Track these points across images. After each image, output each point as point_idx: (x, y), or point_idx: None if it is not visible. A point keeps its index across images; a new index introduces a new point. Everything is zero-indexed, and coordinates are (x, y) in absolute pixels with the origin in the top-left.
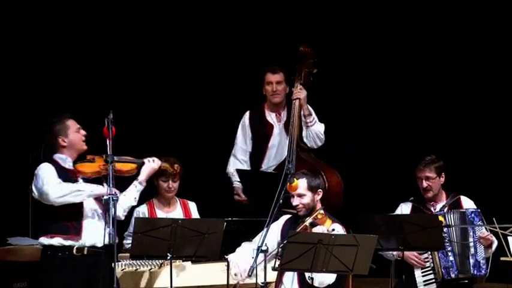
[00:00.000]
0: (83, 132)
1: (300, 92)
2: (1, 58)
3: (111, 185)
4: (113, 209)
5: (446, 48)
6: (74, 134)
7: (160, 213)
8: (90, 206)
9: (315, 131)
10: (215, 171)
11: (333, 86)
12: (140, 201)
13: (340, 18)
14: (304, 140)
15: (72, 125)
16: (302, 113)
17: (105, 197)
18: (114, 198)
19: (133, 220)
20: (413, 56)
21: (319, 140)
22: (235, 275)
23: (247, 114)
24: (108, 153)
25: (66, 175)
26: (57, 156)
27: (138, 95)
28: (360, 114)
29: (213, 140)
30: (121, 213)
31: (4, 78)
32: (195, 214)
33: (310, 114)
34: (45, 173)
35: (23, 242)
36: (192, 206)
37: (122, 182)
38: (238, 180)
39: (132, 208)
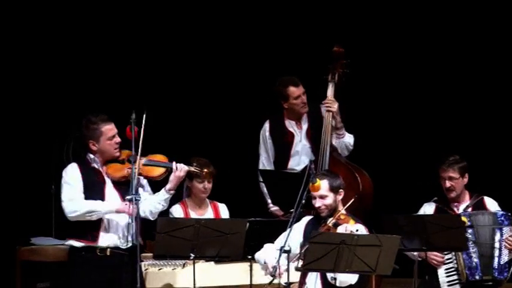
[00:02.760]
0: (116, 140)
1: (333, 104)
2: (28, 56)
3: (134, 185)
4: (136, 209)
5: (469, 47)
6: (106, 142)
7: (194, 215)
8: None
9: (345, 142)
10: (244, 172)
11: (355, 85)
12: (171, 201)
13: (365, 18)
14: None
15: (106, 132)
16: (335, 124)
17: (128, 197)
18: (137, 199)
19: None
20: (436, 55)
21: (347, 150)
22: (270, 269)
23: (267, 125)
24: (133, 153)
25: (92, 176)
26: (89, 156)
27: (170, 97)
28: (383, 113)
29: (241, 139)
30: (148, 213)
31: (30, 76)
32: (224, 216)
33: (342, 127)
34: (66, 184)
35: (46, 242)
36: (222, 208)
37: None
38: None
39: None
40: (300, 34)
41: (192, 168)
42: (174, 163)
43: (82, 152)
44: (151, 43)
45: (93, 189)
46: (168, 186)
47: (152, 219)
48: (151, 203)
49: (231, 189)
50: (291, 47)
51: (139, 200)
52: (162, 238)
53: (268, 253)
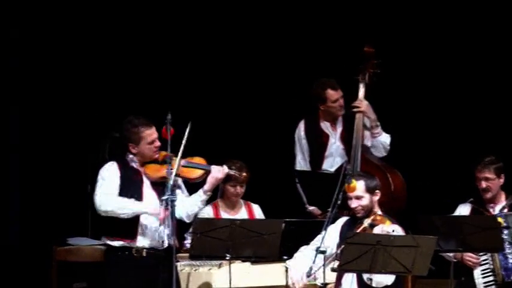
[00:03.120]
0: (156, 144)
1: (360, 104)
2: (63, 58)
3: (170, 186)
4: (171, 210)
5: (506, 46)
6: (146, 146)
7: (226, 216)
8: (151, 205)
9: (381, 141)
10: (279, 172)
11: (390, 84)
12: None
13: (397, 18)
14: (371, 149)
15: (146, 136)
16: (369, 124)
17: (164, 197)
18: (172, 199)
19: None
20: (472, 53)
21: (384, 150)
22: (293, 284)
23: (302, 125)
24: (169, 153)
25: (131, 175)
26: (128, 156)
27: (205, 98)
28: (419, 113)
29: (276, 139)
30: (184, 215)
31: (65, 77)
32: (259, 217)
33: (377, 126)
34: (102, 180)
35: (82, 243)
36: (257, 209)
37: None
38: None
39: None
40: (331, 34)
41: (232, 172)
42: (213, 166)
43: (121, 152)
44: (187, 45)
45: (130, 188)
46: (205, 188)
47: (188, 221)
48: (187, 205)
49: (265, 189)
50: (322, 47)
51: (174, 201)
52: (198, 238)
53: (298, 263)
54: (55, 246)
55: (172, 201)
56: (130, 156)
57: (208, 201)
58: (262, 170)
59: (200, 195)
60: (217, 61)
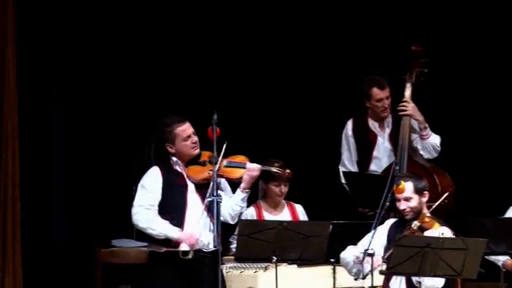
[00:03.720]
0: (193, 139)
1: (407, 106)
2: (107, 56)
3: (215, 186)
4: (216, 211)
5: None
6: (182, 143)
7: (268, 217)
8: (195, 209)
9: (432, 143)
10: (322, 172)
11: (437, 83)
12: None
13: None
14: (420, 152)
15: (180, 133)
16: (417, 126)
17: (209, 199)
18: (218, 200)
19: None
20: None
21: (435, 151)
22: (355, 278)
23: (350, 123)
24: (214, 154)
25: (174, 180)
26: (171, 159)
27: (246, 97)
28: (468, 113)
29: (319, 138)
30: (228, 217)
31: (111, 76)
32: (302, 217)
33: (426, 127)
34: (142, 189)
35: (127, 244)
36: (299, 209)
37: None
38: None
39: None
40: (379, 32)
41: (274, 169)
42: (247, 163)
43: (163, 155)
44: (232, 43)
45: (175, 194)
46: (242, 186)
47: (232, 222)
48: (229, 206)
49: (308, 190)
50: (370, 45)
51: (220, 202)
52: (244, 240)
53: (353, 251)
54: (99, 248)
55: (218, 202)
56: (174, 159)
57: (249, 202)
58: (305, 170)
59: (239, 194)
60: (263, 58)
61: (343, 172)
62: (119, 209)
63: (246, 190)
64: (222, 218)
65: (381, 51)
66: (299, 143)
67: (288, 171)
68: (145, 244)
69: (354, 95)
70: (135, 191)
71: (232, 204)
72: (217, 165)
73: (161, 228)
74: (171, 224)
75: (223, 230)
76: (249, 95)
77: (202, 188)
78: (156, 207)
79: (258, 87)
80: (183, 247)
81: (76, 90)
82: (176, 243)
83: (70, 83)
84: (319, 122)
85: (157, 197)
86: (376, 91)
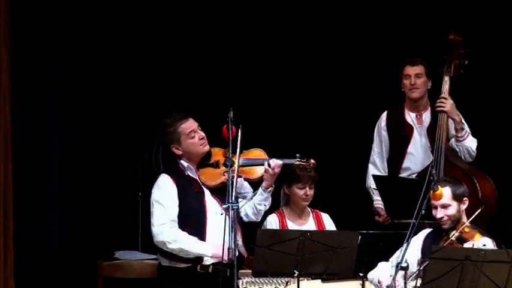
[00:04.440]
0: (199, 134)
1: (444, 102)
2: (112, 53)
3: (232, 192)
4: (232, 219)
5: None
6: (188, 141)
7: (292, 226)
8: (215, 216)
9: (466, 146)
10: (350, 176)
11: (477, 78)
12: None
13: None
14: None
15: (183, 130)
16: (453, 126)
17: (224, 206)
18: (234, 207)
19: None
20: None
21: (470, 156)
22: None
23: (384, 114)
24: (229, 155)
25: (189, 187)
26: (181, 163)
27: (264, 93)
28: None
29: (347, 141)
30: (253, 217)
31: (113, 71)
32: (329, 227)
33: (462, 128)
34: (159, 205)
35: (131, 257)
36: (326, 218)
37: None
38: (379, 198)
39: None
40: (413, 20)
41: (296, 162)
42: (266, 160)
43: (172, 160)
44: (256, 36)
45: (191, 202)
46: (264, 185)
47: (257, 220)
48: (252, 206)
49: (334, 195)
50: (404, 35)
51: (236, 209)
52: (262, 252)
53: (382, 271)
54: (101, 261)
55: (234, 209)
56: (185, 164)
57: (272, 209)
58: (330, 173)
59: (261, 193)
60: (282, 47)
61: (374, 176)
62: (122, 217)
63: (269, 189)
64: (246, 219)
65: (415, 41)
66: (323, 142)
67: (312, 161)
68: (152, 256)
69: (389, 86)
70: (141, 198)
71: (256, 204)
72: (234, 167)
73: (193, 248)
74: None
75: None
76: (265, 87)
77: (218, 191)
78: (177, 220)
79: (275, 78)
80: (205, 260)
81: (76, 87)
82: (200, 258)
83: (69, 79)
84: (346, 118)
85: (176, 209)
86: (406, 68)
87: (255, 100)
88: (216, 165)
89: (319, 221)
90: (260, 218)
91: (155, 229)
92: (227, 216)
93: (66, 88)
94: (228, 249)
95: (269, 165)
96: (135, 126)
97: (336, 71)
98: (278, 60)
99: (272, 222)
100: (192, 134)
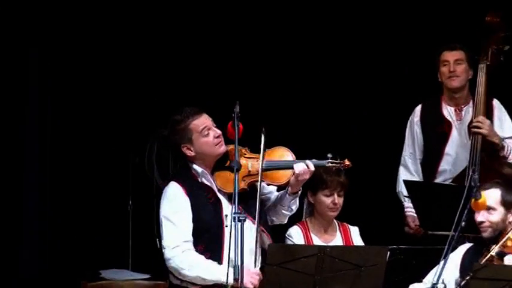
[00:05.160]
0: (215, 132)
1: (481, 124)
2: (97, 49)
3: (236, 200)
4: (240, 233)
5: None
6: (201, 139)
7: (317, 241)
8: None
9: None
10: (377, 181)
11: None
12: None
13: None
14: None
15: (196, 127)
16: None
17: (229, 216)
18: (240, 219)
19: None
20: None
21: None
22: None
23: (418, 108)
24: (235, 158)
25: (203, 197)
26: (194, 168)
27: (277, 85)
28: None
29: (374, 140)
30: (277, 221)
31: (98, 68)
32: (357, 242)
33: (503, 148)
34: (168, 222)
35: (120, 276)
36: (355, 233)
37: None
38: (411, 206)
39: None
40: (448, 2)
41: (328, 163)
42: (295, 163)
43: (181, 164)
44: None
45: (208, 216)
46: (290, 190)
47: (283, 222)
48: (276, 211)
49: (359, 204)
50: (437, 19)
51: (243, 221)
52: (274, 271)
53: None
54: (85, 282)
55: (241, 220)
56: (195, 166)
57: (294, 219)
58: (354, 178)
59: (287, 199)
60: (299, 39)
61: (405, 181)
62: (110, 230)
63: (295, 194)
64: (269, 222)
65: (447, 25)
66: (347, 142)
67: (347, 161)
68: (144, 276)
69: (423, 76)
70: (132, 207)
71: (281, 208)
72: (246, 170)
73: (212, 275)
74: (206, 255)
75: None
76: (278, 77)
77: (240, 198)
78: (191, 240)
79: (291, 69)
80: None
81: (57, 87)
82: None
83: (48, 80)
84: (373, 114)
85: (190, 226)
86: (445, 54)
87: (268, 94)
88: (231, 168)
89: (347, 236)
90: (286, 220)
91: (167, 253)
92: (232, 229)
93: (46, 89)
94: (234, 267)
95: (298, 169)
96: (124, 127)
97: (361, 60)
98: (297, 50)
99: (295, 235)
100: (205, 131)
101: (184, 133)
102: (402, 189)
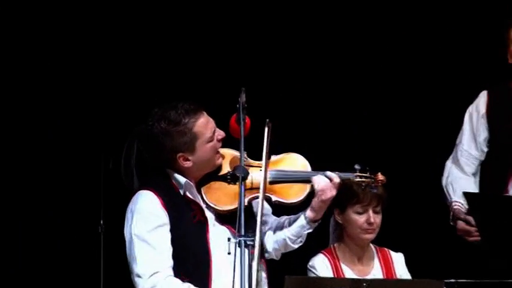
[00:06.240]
0: (219, 135)
1: None
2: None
3: (241, 219)
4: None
5: None
6: (207, 145)
7: (348, 272)
8: (225, 261)
9: None
10: (424, 193)
11: None
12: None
13: None
14: None
15: (202, 130)
16: None
17: (232, 240)
18: (248, 243)
19: None
20: None
21: None
22: None
23: (484, 96)
24: (240, 163)
25: (185, 212)
26: (175, 177)
27: (277, 86)
28: None
29: (416, 140)
30: (273, 254)
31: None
32: (403, 274)
33: None
34: (142, 243)
35: None
36: (398, 260)
37: None
38: (460, 201)
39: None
40: None
41: (355, 177)
42: (317, 175)
43: (160, 170)
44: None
45: (190, 239)
46: (309, 214)
47: (276, 258)
48: (278, 238)
49: (401, 223)
50: None
51: (251, 246)
52: None
53: None
54: None
55: (248, 245)
56: (177, 176)
57: (318, 245)
58: (393, 189)
59: (303, 226)
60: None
61: (466, 194)
62: (77, 256)
63: (315, 223)
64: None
65: None
66: (382, 144)
67: (380, 176)
68: None
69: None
70: (103, 229)
71: (287, 238)
72: (252, 182)
73: None
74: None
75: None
76: (277, 78)
77: (231, 216)
78: (172, 263)
79: (288, 68)
80: None
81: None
82: None
83: None
84: (415, 105)
85: (170, 247)
86: None
87: (268, 93)
88: (229, 178)
89: (388, 266)
90: (280, 256)
91: (143, 282)
92: (238, 256)
93: None
94: None
95: (318, 184)
96: (94, 125)
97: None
98: (297, 50)
99: (320, 266)
100: (211, 136)
101: (184, 138)
102: (446, 180)
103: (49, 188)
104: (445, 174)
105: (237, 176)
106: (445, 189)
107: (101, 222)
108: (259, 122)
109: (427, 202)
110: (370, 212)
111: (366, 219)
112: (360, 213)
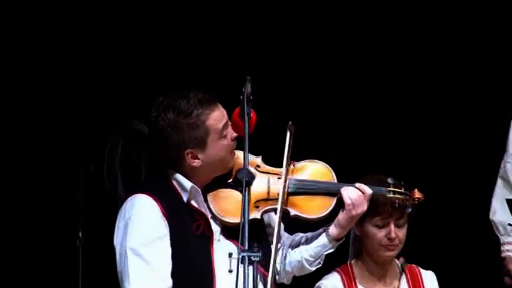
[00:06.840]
0: (232, 133)
1: None
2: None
3: (245, 232)
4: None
5: None
6: (218, 142)
7: None
8: (229, 280)
9: None
10: (457, 205)
11: None
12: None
13: None
14: None
15: (216, 123)
16: None
17: (235, 255)
18: (253, 258)
19: None
20: None
21: None
22: None
23: None
24: (244, 165)
25: (188, 226)
26: (178, 180)
27: (276, 86)
28: None
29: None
30: (285, 278)
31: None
32: None
33: None
34: (137, 258)
35: None
36: (429, 280)
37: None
38: None
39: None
40: None
41: (388, 193)
42: (344, 188)
43: (166, 168)
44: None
45: (193, 255)
46: (333, 231)
47: (287, 283)
48: (294, 259)
49: (432, 238)
50: None
51: (256, 262)
52: None
53: None
54: None
55: (254, 260)
56: (181, 179)
57: (334, 262)
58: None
59: (324, 245)
60: None
61: (508, 200)
62: (53, 273)
63: (338, 241)
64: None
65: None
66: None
67: (417, 194)
68: None
69: None
70: (82, 242)
71: (303, 259)
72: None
73: None
74: None
75: None
76: (276, 78)
77: (236, 231)
78: (171, 282)
79: (288, 68)
80: None
81: None
82: None
83: None
84: (452, 109)
85: (169, 263)
86: None
87: (268, 93)
88: (234, 182)
89: (416, 284)
90: (291, 281)
91: None
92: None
93: None
94: None
95: (349, 196)
96: (71, 121)
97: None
98: (297, 50)
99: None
100: (224, 132)
101: (195, 133)
102: (500, 217)
103: (26, 196)
104: (493, 202)
105: (240, 180)
106: (494, 225)
107: (80, 235)
108: (282, 122)
109: (459, 214)
110: (392, 225)
111: (386, 233)
112: (379, 227)
